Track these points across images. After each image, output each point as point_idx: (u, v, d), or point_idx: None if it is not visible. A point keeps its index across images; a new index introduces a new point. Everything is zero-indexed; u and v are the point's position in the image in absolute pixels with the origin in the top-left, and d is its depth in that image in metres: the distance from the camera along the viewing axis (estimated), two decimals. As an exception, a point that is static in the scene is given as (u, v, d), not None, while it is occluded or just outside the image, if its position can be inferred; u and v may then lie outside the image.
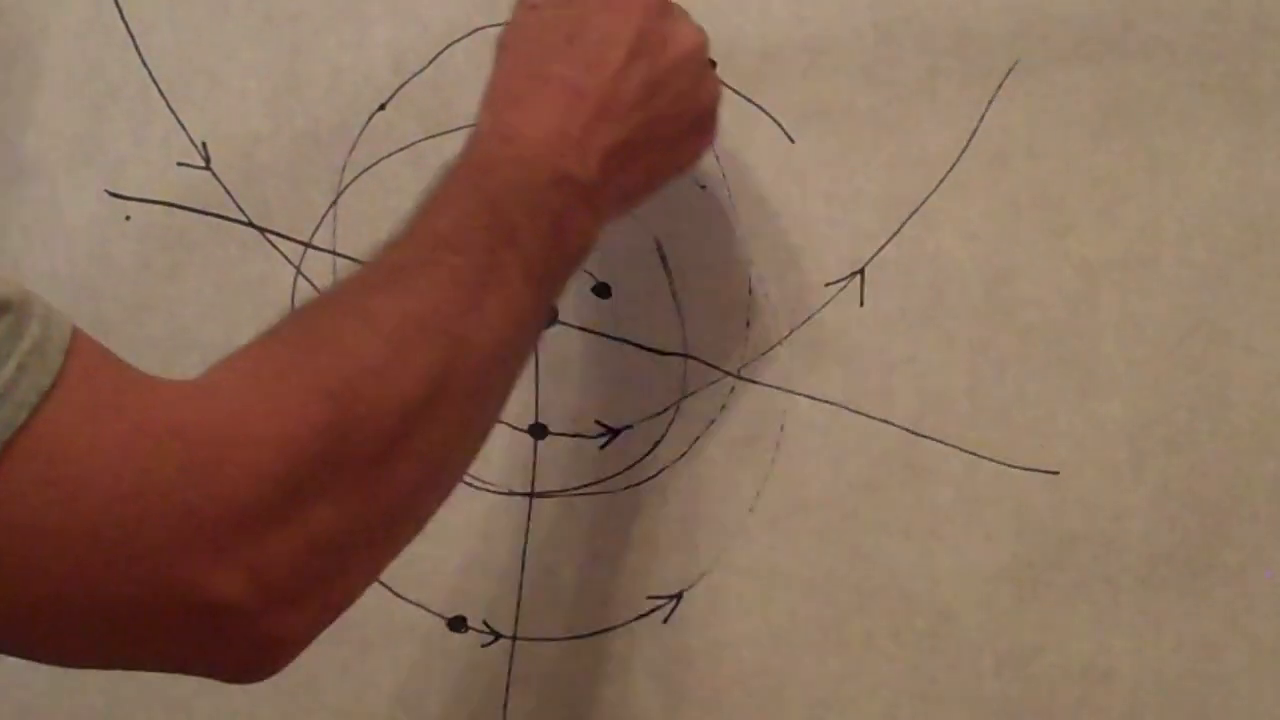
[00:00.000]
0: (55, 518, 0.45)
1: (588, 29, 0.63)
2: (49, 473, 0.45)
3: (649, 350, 0.74)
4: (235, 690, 0.71)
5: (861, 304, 0.73)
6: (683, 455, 0.74)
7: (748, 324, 0.74)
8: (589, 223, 0.61)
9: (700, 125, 0.67)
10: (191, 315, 0.74)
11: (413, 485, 0.54)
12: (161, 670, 0.51)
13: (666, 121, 0.64)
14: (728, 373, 0.74)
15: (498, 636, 0.73)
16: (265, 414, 0.49)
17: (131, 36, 0.75)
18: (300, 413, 0.49)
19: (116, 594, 0.46)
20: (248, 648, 0.50)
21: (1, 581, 0.45)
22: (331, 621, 0.52)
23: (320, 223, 0.75)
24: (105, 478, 0.46)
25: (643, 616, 0.73)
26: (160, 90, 0.75)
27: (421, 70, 0.75)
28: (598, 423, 0.74)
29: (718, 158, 0.74)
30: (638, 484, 0.73)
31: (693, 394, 0.74)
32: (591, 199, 0.61)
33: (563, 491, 0.74)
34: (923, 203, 0.73)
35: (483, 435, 0.58)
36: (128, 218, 0.75)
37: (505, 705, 0.73)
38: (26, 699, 0.81)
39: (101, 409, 0.47)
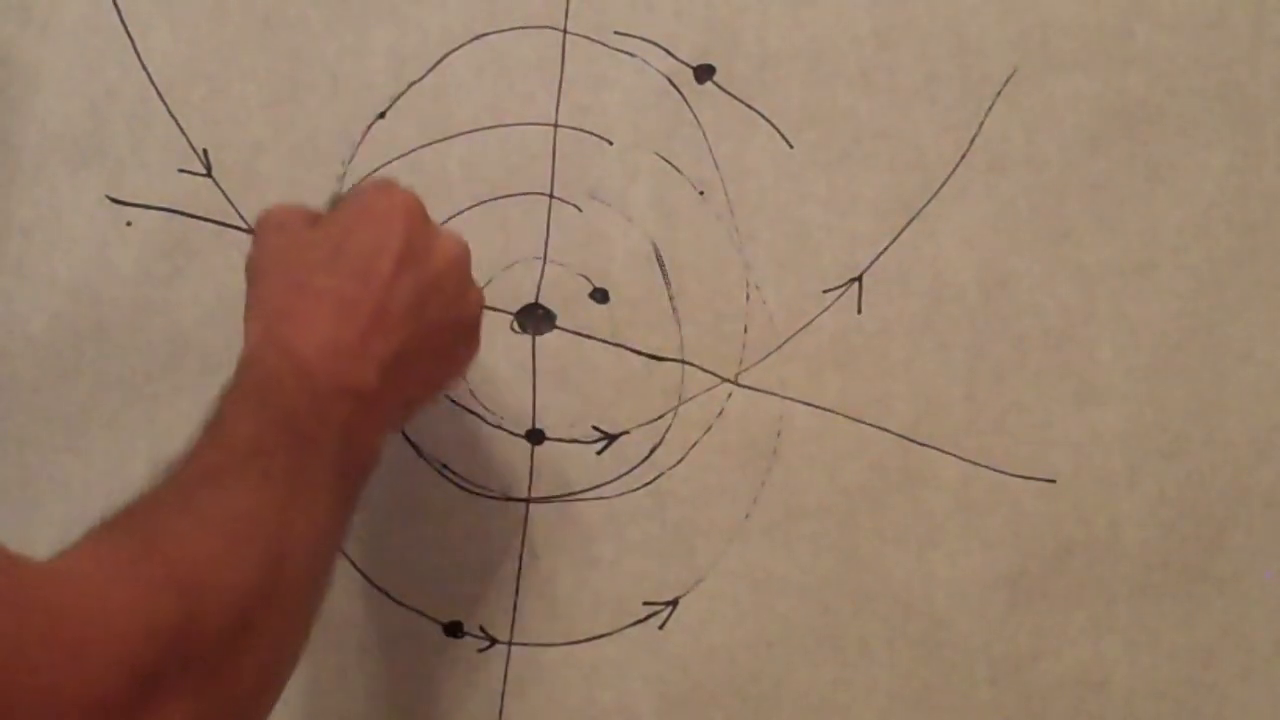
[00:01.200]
0: None
1: (352, 241, 0.61)
2: None
3: (646, 356, 0.74)
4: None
5: (859, 311, 0.73)
6: (680, 461, 0.74)
7: (745, 330, 0.74)
8: (373, 433, 0.61)
9: (467, 336, 0.66)
10: (191, 321, 0.74)
11: (256, 675, 0.54)
12: None
13: (436, 331, 0.63)
14: (725, 379, 0.74)
15: (494, 642, 0.73)
16: (126, 605, 0.49)
17: (132, 42, 0.75)
18: (157, 605, 0.49)
19: None
20: None
21: None
22: None
23: (320, 229, 0.76)
24: None
25: (639, 622, 0.73)
26: (161, 96, 0.75)
27: (421, 78, 0.75)
28: (595, 428, 0.74)
29: (716, 164, 0.74)
30: (634, 490, 0.74)
31: (690, 400, 0.74)
32: (373, 409, 0.61)
33: (559, 497, 0.74)
34: (921, 209, 0.73)
35: (309, 629, 0.58)
36: (129, 224, 0.75)
37: (501, 711, 0.73)
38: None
39: None
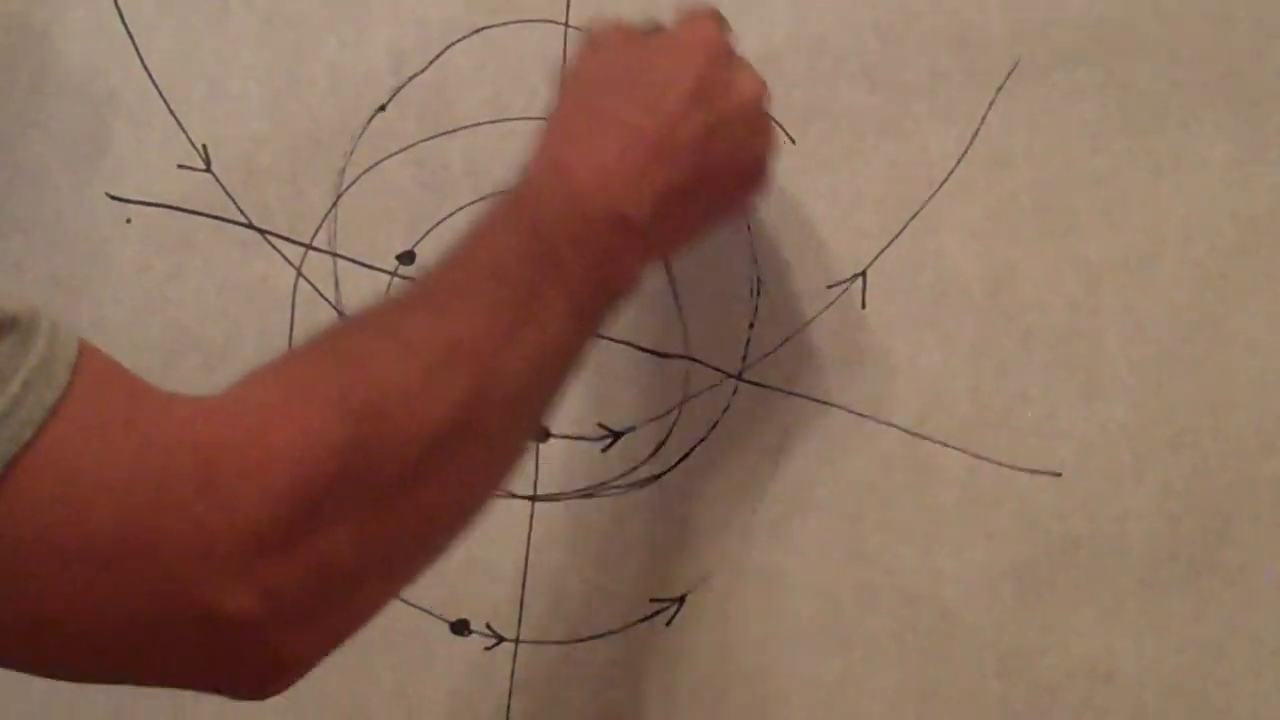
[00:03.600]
0: (63, 535, 0.45)
1: (650, 71, 0.62)
2: (57, 490, 0.45)
3: (651, 353, 0.74)
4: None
5: (863, 306, 0.73)
6: (685, 458, 0.73)
7: (750, 326, 0.74)
8: (636, 262, 0.61)
9: (753, 174, 0.67)
10: (192, 317, 0.74)
11: (433, 513, 0.53)
12: (167, 685, 0.51)
13: (721, 168, 0.64)
14: (730, 375, 0.74)
15: (501, 640, 0.73)
16: (284, 430, 0.48)
17: (132, 39, 0.75)
18: (321, 430, 0.49)
19: (126, 611, 0.46)
20: (257, 666, 0.50)
21: (11, 598, 0.45)
22: (343, 642, 0.52)
23: (320, 224, 0.75)
24: (115, 494, 0.46)
25: (646, 619, 0.73)
26: (160, 93, 0.75)
27: (422, 71, 0.75)
28: (600, 425, 0.74)
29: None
30: (640, 486, 0.73)
31: (695, 396, 0.74)
32: (641, 239, 0.60)
33: (565, 494, 0.74)
34: (924, 205, 0.73)
35: (509, 466, 0.57)
36: (129, 220, 0.74)
37: (508, 708, 0.73)
38: (30, 696, 0.81)
39: (110, 425, 0.47)
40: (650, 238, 0.61)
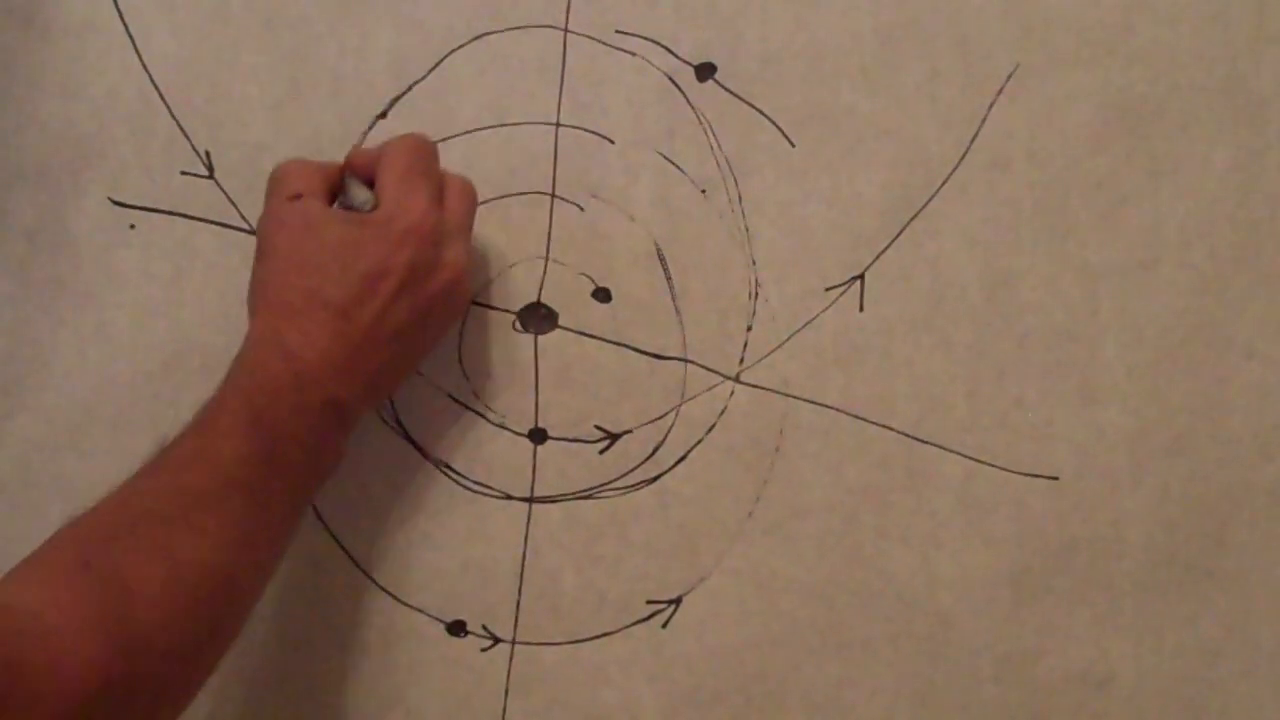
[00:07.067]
0: None
1: (362, 258, 0.65)
2: None
3: (649, 355, 0.74)
4: (233, 695, 0.72)
5: (861, 309, 0.73)
6: (682, 460, 0.74)
7: (748, 328, 0.74)
8: (343, 441, 0.66)
9: (452, 324, 0.73)
10: (193, 322, 0.74)
11: (187, 690, 0.58)
12: None
13: (425, 339, 0.69)
14: (727, 377, 0.74)
15: (497, 641, 0.73)
16: (77, 662, 0.51)
17: (134, 44, 0.75)
18: (94, 660, 0.52)
19: None
20: None
21: None
22: None
23: (322, 229, 0.76)
24: None
25: (642, 621, 0.73)
26: (163, 99, 0.75)
27: (423, 77, 0.75)
28: (597, 427, 0.74)
29: (718, 162, 0.74)
30: (637, 489, 0.73)
31: (692, 399, 0.74)
32: (352, 420, 0.66)
33: (562, 496, 0.74)
34: (923, 207, 0.73)
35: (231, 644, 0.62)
36: (132, 226, 0.75)
37: (504, 710, 0.73)
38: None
39: None
40: (355, 415, 0.66)
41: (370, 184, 0.69)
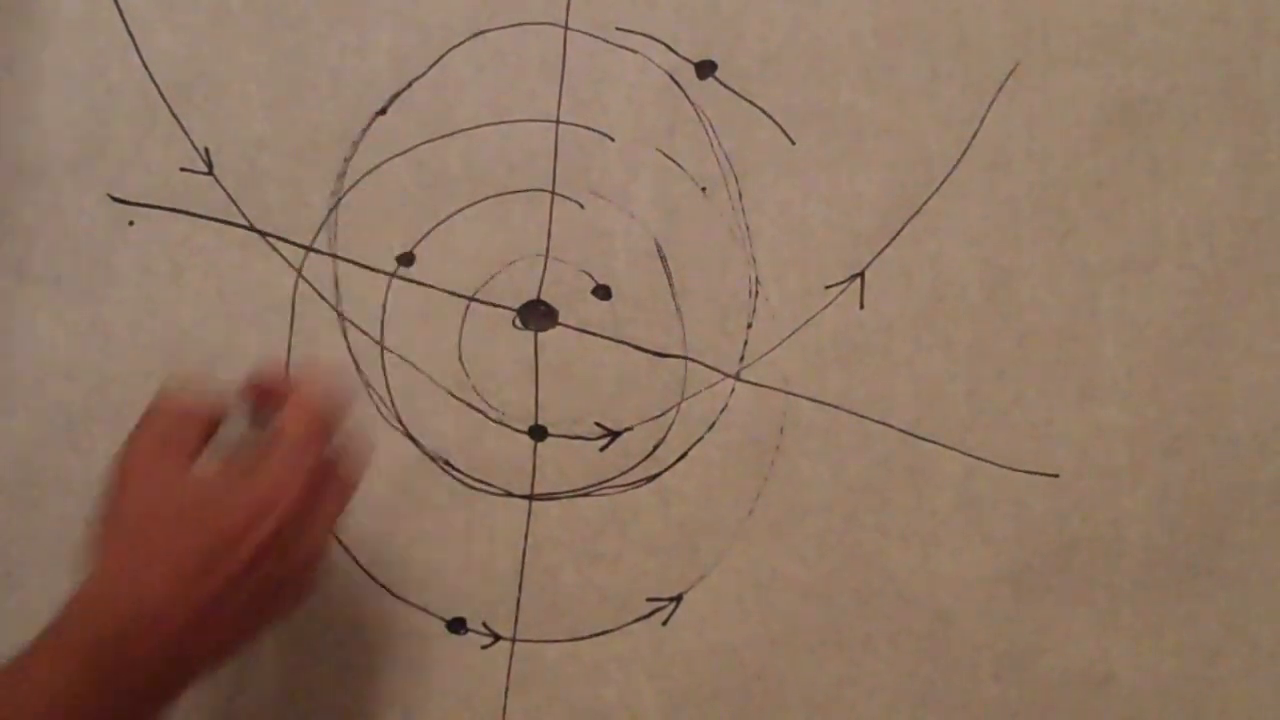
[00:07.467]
0: None
1: (223, 517, 0.61)
2: None
3: (649, 352, 0.74)
4: (233, 692, 0.72)
5: (861, 306, 0.73)
6: (682, 458, 0.74)
7: (748, 326, 0.74)
8: (168, 708, 0.61)
9: (297, 603, 0.66)
10: (193, 319, 0.74)
11: None
12: None
13: (270, 611, 0.63)
14: (728, 375, 0.74)
15: (497, 638, 0.73)
16: None
17: (133, 41, 0.75)
18: None
19: None
20: None
21: None
22: None
23: (321, 226, 0.76)
24: None
25: (642, 619, 0.73)
26: (162, 95, 0.75)
27: (423, 74, 0.75)
28: (598, 425, 0.74)
29: (718, 160, 0.74)
30: (637, 486, 0.74)
31: (693, 396, 0.74)
32: (183, 688, 0.61)
33: (562, 494, 0.74)
34: (923, 206, 0.73)
35: None
36: (131, 223, 0.75)
37: (504, 707, 0.73)
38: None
39: None
40: (184, 686, 0.61)
41: (264, 412, 0.65)
